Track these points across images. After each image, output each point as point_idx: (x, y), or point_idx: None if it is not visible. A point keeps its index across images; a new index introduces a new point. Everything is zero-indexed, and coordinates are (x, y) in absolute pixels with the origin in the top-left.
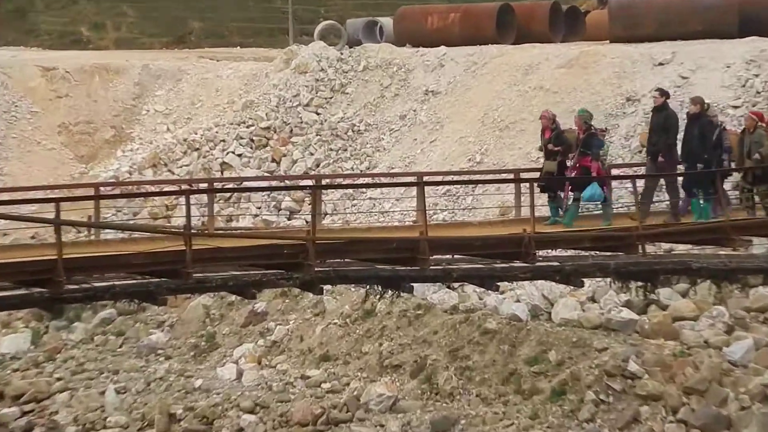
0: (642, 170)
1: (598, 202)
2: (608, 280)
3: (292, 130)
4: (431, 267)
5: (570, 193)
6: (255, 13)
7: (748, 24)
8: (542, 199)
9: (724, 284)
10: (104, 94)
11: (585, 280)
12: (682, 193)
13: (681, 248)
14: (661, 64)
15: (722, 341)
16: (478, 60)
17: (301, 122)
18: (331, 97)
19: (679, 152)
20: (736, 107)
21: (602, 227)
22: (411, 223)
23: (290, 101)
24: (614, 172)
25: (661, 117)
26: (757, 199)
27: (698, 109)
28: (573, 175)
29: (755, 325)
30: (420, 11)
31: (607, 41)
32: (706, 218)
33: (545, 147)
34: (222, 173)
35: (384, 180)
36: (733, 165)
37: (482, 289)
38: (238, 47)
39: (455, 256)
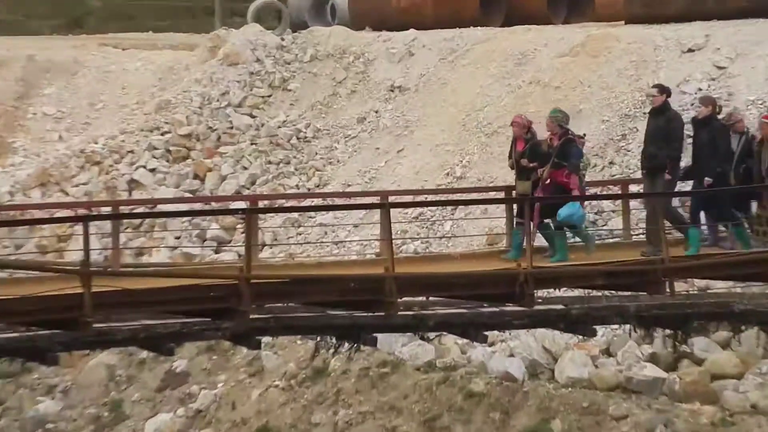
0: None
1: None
2: (627, 327)
3: (219, 138)
4: (400, 312)
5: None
6: None
7: None
8: None
9: None
10: None
11: (597, 327)
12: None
13: (720, 286)
14: (690, 50)
15: None
16: (458, 47)
17: (232, 128)
18: (269, 96)
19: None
20: None
21: (619, 260)
22: (373, 257)
23: (217, 101)
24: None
25: (661, 121)
26: None
27: (709, 111)
28: (543, 193)
29: None
30: None
31: (622, 22)
32: (747, 246)
33: (517, 162)
34: (130, 194)
35: (338, 201)
36: None
37: (466, 341)
38: (150, 32)
39: (431, 299)
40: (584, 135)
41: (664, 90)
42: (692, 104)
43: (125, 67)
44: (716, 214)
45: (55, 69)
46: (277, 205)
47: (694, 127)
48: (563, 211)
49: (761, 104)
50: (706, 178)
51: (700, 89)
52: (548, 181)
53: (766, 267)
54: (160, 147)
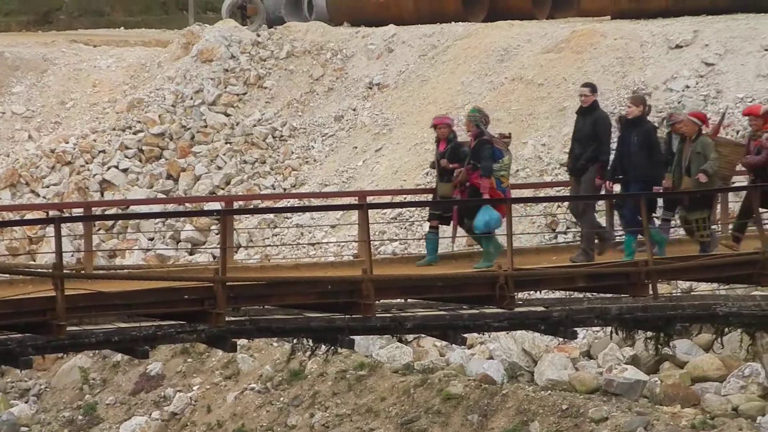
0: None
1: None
2: (609, 329)
3: (193, 137)
4: (377, 315)
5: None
6: None
7: None
8: (523, 224)
9: (759, 335)
10: None
11: (578, 329)
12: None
13: (703, 288)
14: (678, 46)
15: (756, 408)
16: (438, 43)
17: (206, 126)
18: (244, 93)
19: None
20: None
21: (604, 262)
22: (351, 258)
23: (191, 99)
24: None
25: (589, 122)
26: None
27: (640, 111)
28: (461, 196)
29: None
30: None
31: (608, 17)
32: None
33: (438, 163)
34: (102, 194)
35: (315, 202)
36: None
37: (444, 343)
38: (122, 28)
39: (409, 301)
40: (509, 134)
41: (594, 89)
42: (679, 102)
43: (96, 65)
44: (628, 216)
45: (24, 66)
46: (252, 206)
47: (623, 127)
48: (479, 220)
49: (750, 101)
50: (656, 186)
51: (687, 86)
52: (466, 183)
53: (751, 269)
54: (133, 146)
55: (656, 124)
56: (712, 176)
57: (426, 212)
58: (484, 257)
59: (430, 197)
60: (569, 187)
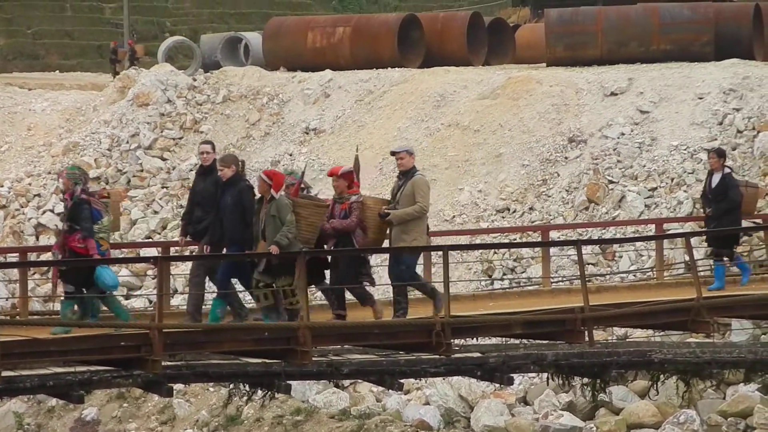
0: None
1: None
2: (545, 375)
3: (129, 181)
4: (314, 359)
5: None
6: (78, 26)
7: (726, 44)
8: (460, 270)
9: (694, 381)
10: None
11: (515, 376)
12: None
13: (639, 334)
14: (614, 94)
15: None
16: (375, 88)
17: (142, 170)
18: (180, 138)
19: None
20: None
21: (540, 309)
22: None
23: (127, 143)
24: None
25: (209, 183)
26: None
27: (232, 172)
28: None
29: None
30: (297, 24)
31: (544, 64)
32: (215, 319)
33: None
34: (37, 238)
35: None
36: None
37: (381, 389)
38: (57, 71)
39: (346, 346)
40: (108, 194)
41: (214, 148)
42: (614, 149)
43: (31, 108)
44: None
45: None
46: (189, 252)
47: (220, 188)
48: (106, 279)
49: (684, 149)
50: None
51: (623, 134)
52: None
53: (685, 316)
54: None
55: (251, 183)
56: (286, 247)
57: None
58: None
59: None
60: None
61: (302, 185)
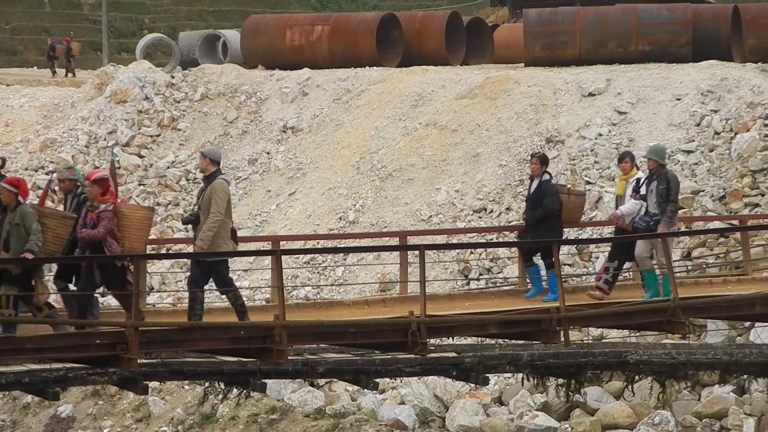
0: None
1: None
2: (520, 376)
3: None
4: (290, 358)
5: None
6: (56, 22)
7: (704, 45)
8: (436, 269)
9: (669, 382)
10: None
11: (490, 376)
12: None
13: (614, 335)
14: (591, 94)
15: None
16: (353, 87)
17: (119, 167)
18: (158, 135)
19: None
20: (688, 152)
21: (516, 309)
22: (264, 303)
23: (104, 140)
24: None
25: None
26: None
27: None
28: None
29: None
30: (276, 22)
31: (522, 64)
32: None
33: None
34: None
35: None
36: None
37: (356, 388)
38: (35, 68)
39: (321, 345)
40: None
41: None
42: (592, 150)
43: (9, 104)
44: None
45: None
46: (165, 250)
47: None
48: None
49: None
50: None
51: (600, 134)
52: None
53: (660, 316)
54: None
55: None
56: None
57: (339, 257)
58: None
59: (347, 242)
60: None
61: (78, 184)
